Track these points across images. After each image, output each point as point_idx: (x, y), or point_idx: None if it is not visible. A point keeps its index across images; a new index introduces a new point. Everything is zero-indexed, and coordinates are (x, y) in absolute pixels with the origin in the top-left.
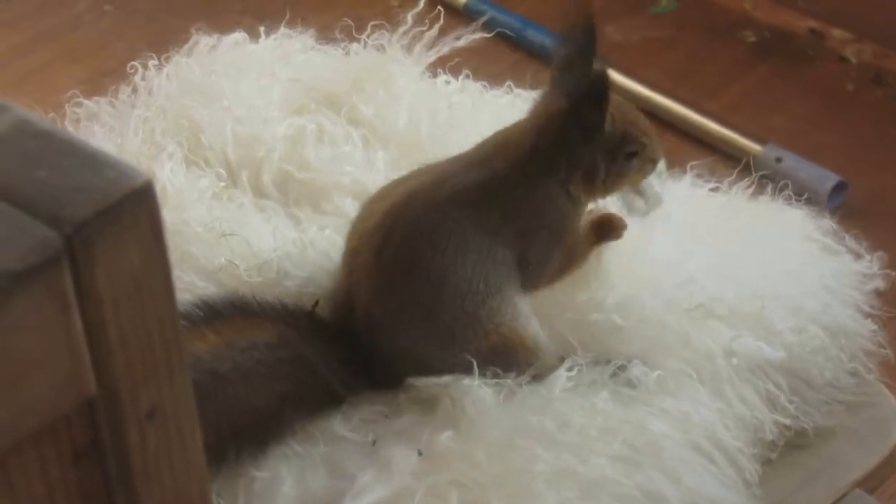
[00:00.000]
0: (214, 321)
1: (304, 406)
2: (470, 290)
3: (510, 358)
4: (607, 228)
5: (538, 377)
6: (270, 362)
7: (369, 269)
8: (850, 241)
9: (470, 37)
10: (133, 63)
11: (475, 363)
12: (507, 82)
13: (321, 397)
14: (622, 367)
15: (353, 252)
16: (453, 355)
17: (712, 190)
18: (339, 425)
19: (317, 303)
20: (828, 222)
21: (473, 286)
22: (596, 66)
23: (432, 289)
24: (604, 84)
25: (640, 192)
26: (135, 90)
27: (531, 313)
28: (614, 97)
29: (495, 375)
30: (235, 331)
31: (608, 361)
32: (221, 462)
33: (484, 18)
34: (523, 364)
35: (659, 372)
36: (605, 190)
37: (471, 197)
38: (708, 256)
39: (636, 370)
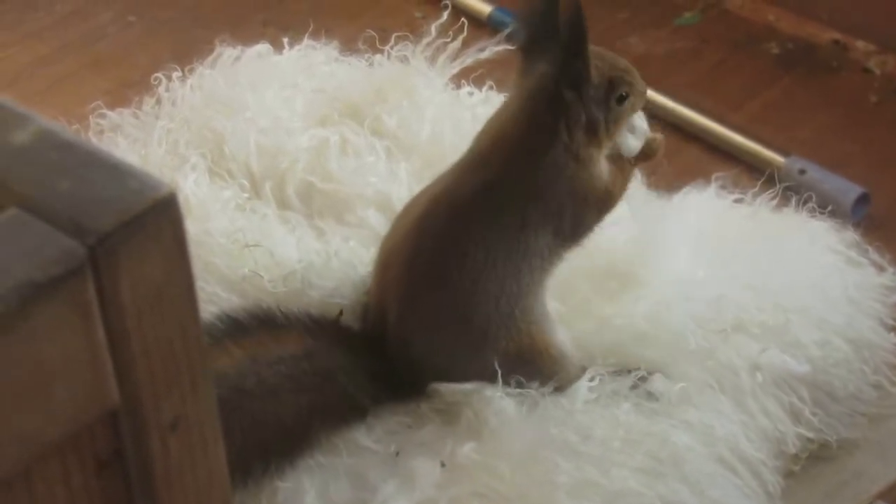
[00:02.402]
0: (238, 335)
1: (330, 417)
2: (503, 292)
3: (535, 364)
4: (645, 153)
5: (560, 388)
6: (296, 375)
7: (401, 281)
8: (873, 254)
9: (494, 49)
10: (157, 74)
11: (499, 371)
12: None
13: (347, 408)
14: (643, 379)
15: (384, 266)
16: (482, 358)
17: (736, 201)
18: (362, 436)
19: (341, 312)
20: (851, 234)
21: (507, 288)
22: (566, 14)
23: (465, 296)
24: (579, 27)
25: (631, 129)
26: (159, 101)
27: (558, 322)
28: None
29: (518, 385)
30: (260, 344)
31: (629, 371)
32: (248, 476)
33: (508, 30)
34: (547, 372)
35: (682, 384)
36: (609, 138)
37: (486, 198)
38: (733, 268)
39: (658, 383)
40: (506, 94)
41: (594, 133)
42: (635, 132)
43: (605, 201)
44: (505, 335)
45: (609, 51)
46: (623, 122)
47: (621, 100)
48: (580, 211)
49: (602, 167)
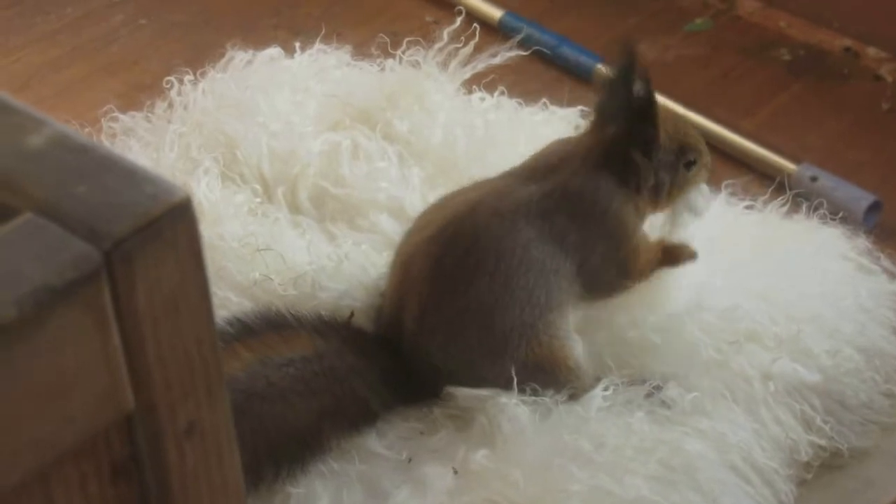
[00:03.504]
0: (248, 338)
1: (341, 421)
2: (530, 302)
3: (552, 375)
4: (674, 256)
5: (574, 396)
6: (307, 378)
7: (426, 276)
8: (885, 261)
9: (506, 54)
10: (169, 78)
11: (515, 378)
12: (543, 100)
13: (358, 411)
14: (657, 388)
15: (407, 261)
16: (500, 365)
17: (747, 208)
18: (374, 442)
19: (352, 314)
20: (863, 242)
21: (534, 298)
22: (638, 84)
23: (494, 297)
24: (648, 100)
25: (691, 203)
26: (170, 105)
27: (577, 336)
28: (664, 111)
29: (533, 392)
30: (270, 347)
31: (644, 381)
32: (259, 482)
33: (520, 36)
34: (563, 382)
35: (695, 394)
36: (670, 201)
37: (535, 208)
38: (744, 277)
39: (672, 391)
40: (518, 101)
41: (657, 195)
42: (704, 195)
43: (628, 263)
44: (525, 344)
45: (685, 119)
46: (688, 186)
47: (689, 165)
48: (606, 259)
49: (642, 233)
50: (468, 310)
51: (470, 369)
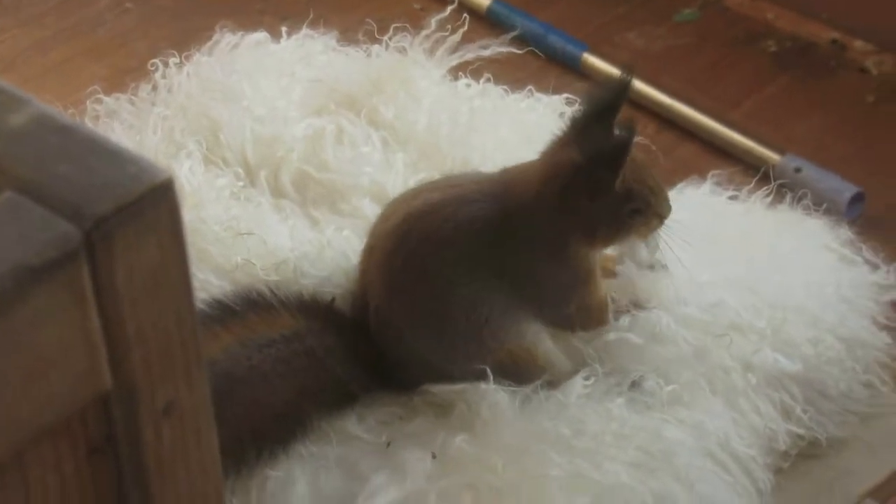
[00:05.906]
0: (227, 320)
1: (321, 401)
2: (473, 311)
3: (518, 374)
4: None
5: (553, 384)
6: (287, 357)
7: (381, 268)
8: (867, 252)
9: (497, 48)
10: (154, 61)
11: (489, 371)
12: (529, 87)
13: (338, 391)
14: (637, 382)
15: (370, 250)
16: (459, 364)
17: (731, 198)
18: (353, 425)
19: (333, 299)
20: (846, 232)
21: (477, 307)
22: (622, 129)
23: (439, 300)
24: (625, 148)
25: (634, 251)
26: (155, 88)
27: (542, 334)
28: (632, 154)
29: (509, 385)
30: (251, 328)
31: (624, 374)
32: (242, 464)
33: (515, 32)
34: (535, 377)
35: (674, 386)
36: (606, 243)
37: (487, 228)
38: (728, 268)
39: (650, 383)
40: (504, 88)
41: (591, 234)
42: (649, 247)
43: (565, 294)
44: (477, 351)
45: (649, 167)
46: (630, 234)
47: (633, 213)
48: (542, 285)
49: (598, 280)
50: (418, 308)
51: (430, 365)
